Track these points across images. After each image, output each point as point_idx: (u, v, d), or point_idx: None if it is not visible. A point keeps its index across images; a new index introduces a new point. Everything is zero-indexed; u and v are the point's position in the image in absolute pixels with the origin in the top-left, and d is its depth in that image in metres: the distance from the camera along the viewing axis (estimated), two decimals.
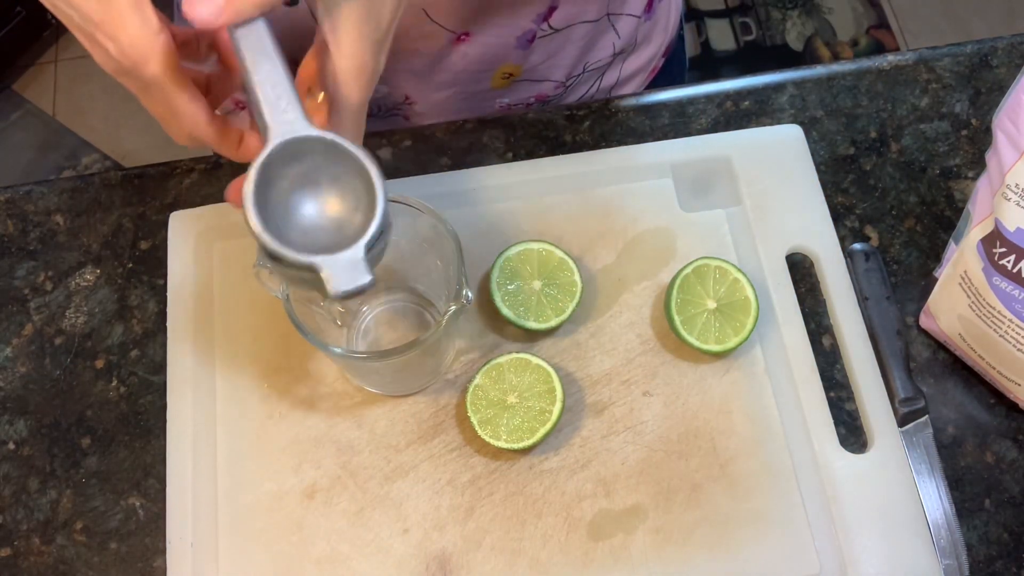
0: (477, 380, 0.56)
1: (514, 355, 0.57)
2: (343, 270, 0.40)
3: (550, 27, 0.67)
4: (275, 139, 0.40)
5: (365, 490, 0.57)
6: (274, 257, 0.41)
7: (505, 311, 0.58)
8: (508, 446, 0.55)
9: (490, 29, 0.65)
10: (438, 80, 0.69)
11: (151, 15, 0.39)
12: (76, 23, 0.40)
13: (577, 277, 0.59)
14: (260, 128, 0.41)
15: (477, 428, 0.55)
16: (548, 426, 0.55)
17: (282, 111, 0.40)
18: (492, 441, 0.55)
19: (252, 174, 0.40)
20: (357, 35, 0.41)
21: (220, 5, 0.37)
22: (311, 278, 0.41)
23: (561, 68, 0.72)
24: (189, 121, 0.42)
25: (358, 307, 0.61)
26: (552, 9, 0.65)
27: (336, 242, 0.41)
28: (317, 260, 0.40)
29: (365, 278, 0.40)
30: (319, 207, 0.43)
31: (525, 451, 0.57)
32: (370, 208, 0.41)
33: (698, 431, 0.58)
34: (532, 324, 0.58)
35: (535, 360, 0.56)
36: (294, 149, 0.41)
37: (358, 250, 0.40)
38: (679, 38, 0.84)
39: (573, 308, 0.59)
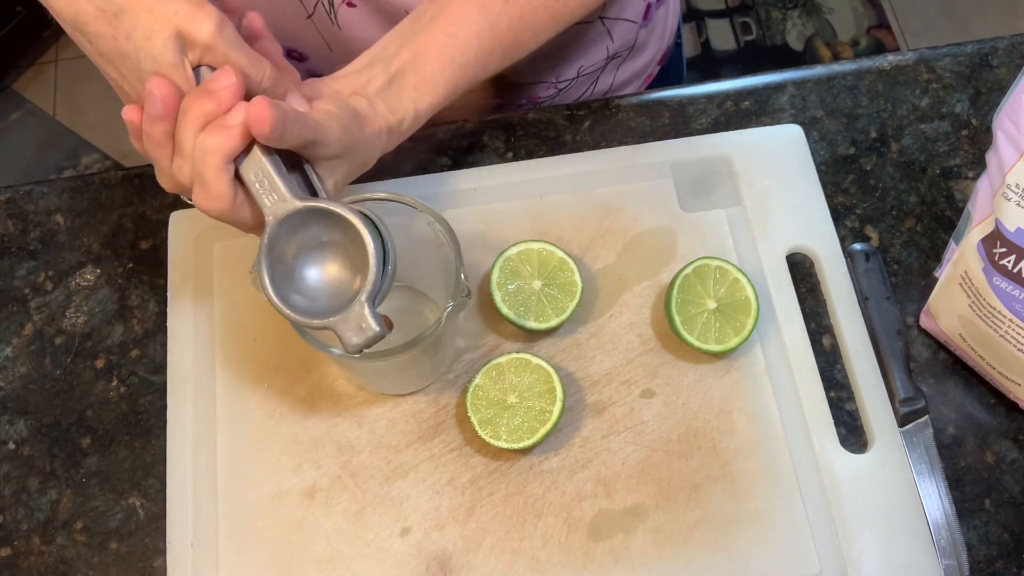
0: (477, 380, 0.56)
1: (514, 355, 0.57)
2: (352, 328, 0.45)
3: None
4: (269, 219, 0.45)
5: (365, 490, 0.57)
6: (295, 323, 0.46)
7: (505, 311, 0.58)
8: (508, 446, 0.55)
9: None
10: None
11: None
12: (126, 92, 0.47)
13: (577, 277, 0.59)
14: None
15: (477, 428, 0.55)
16: (548, 426, 0.55)
17: (268, 193, 0.45)
18: (492, 441, 0.55)
19: (261, 256, 0.45)
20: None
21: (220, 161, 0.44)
22: (331, 334, 0.46)
23: (552, 69, 0.72)
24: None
25: None
26: None
27: (354, 292, 0.46)
28: (329, 322, 0.45)
29: (373, 330, 0.44)
30: (328, 267, 0.47)
31: (525, 451, 0.57)
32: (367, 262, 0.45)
33: (698, 431, 0.58)
34: (532, 324, 0.58)
35: (535, 360, 0.56)
36: (292, 223, 0.45)
37: (360, 306, 0.44)
38: (676, 46, 0.84)
39: (573, 308, 0.58)
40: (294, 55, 0.71)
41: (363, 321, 0.44)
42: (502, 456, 0.57)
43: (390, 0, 0.63)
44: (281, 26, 0.68)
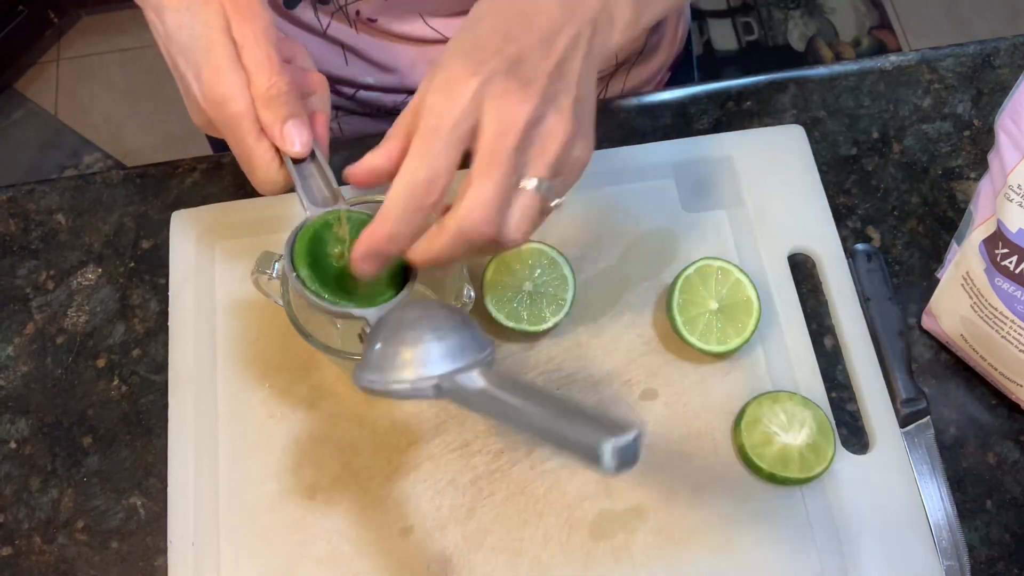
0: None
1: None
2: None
3: None
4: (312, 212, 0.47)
5: (366, 490, 0.57)
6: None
7: (495, 314, 0.58)
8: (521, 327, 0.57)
9: None
10: None
11: (241, 71, 0.45)
12: (181, 71, 0.46)
13: (567, 271, 0.59)
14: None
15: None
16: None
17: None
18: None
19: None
20: None
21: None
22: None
23: None
24: (262, 163, 0.46)
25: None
26: None
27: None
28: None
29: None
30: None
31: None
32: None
33: (700, 432, 0.58)
34: (527, 327, 0.58)
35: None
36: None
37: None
38: (687, 52, 0.83)
39: (568, 308, 0.58)
40: None
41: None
42: (503, 456, 0.57)
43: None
44: None
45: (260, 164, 0.46)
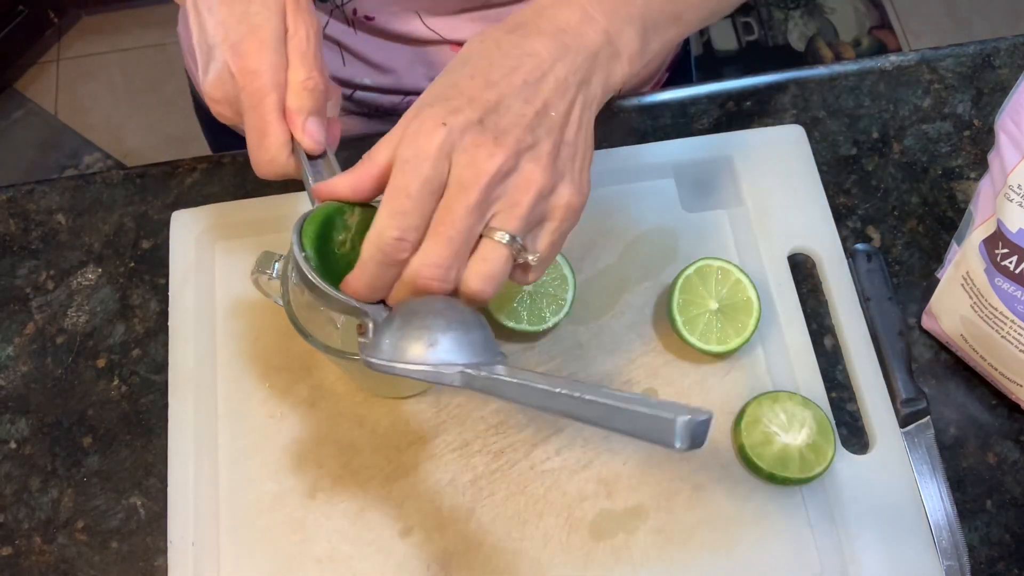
0: None
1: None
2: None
3: None
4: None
5: (366, 490, 0.57)
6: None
7: (496, 314, 0.58)
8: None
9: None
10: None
11: (283, 54, 0.46)
12: (214, 42, 0.46)
13: (567, 271, 0.59)
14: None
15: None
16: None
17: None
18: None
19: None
20: None
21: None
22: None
23: None
24: (275, 142, 0.46)
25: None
26: None
27: None
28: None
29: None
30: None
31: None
32: None
33: None
34: (526, 327, 0.58)
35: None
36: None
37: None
38: (685, 52, 0.83)
39: (568, 307, 0.58)
40: None
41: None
42: (503, 456, 0.57)
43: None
44: None
45: (273, 143, 0.46)
